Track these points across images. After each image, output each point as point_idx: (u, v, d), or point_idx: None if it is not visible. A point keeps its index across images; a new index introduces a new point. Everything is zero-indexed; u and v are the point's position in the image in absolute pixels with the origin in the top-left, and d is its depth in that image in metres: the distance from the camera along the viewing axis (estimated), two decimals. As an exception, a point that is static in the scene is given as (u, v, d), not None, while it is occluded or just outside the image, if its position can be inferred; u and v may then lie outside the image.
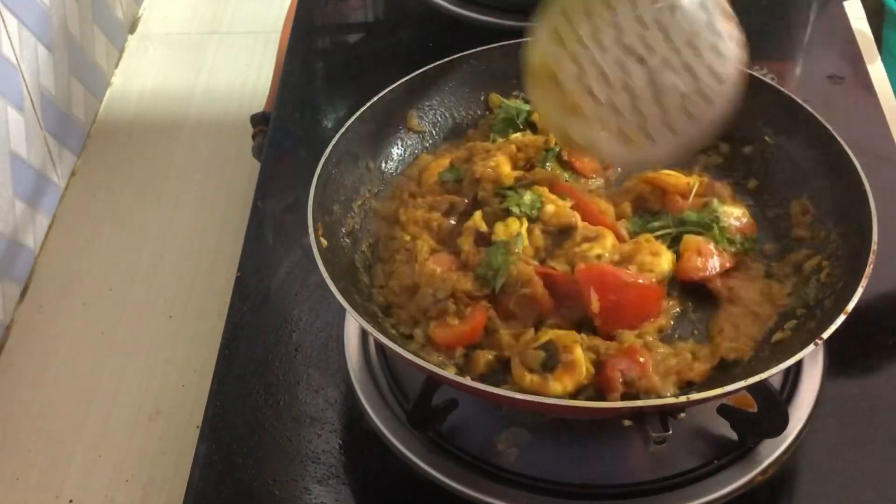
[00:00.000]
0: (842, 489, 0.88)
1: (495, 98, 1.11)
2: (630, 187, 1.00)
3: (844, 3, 1.40)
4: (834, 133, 0.94)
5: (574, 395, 0.84)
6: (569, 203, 0.94)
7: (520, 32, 1.12)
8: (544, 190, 0.95)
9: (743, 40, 0.85)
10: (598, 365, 0.84)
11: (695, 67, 0.84)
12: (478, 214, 0.95)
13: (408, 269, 0.95)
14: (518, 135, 1.05)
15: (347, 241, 0.97)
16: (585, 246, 0.90)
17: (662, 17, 0.84)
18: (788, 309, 0.89)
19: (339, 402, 0.97)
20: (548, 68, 0.87)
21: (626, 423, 0.80)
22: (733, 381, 0.77)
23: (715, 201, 0.96)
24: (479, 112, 1.11)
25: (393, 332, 0.91)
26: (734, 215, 0.96)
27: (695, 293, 0.92)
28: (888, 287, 1.01)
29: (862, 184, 0.89)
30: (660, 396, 0.82)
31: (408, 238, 0.98)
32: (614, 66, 0.85)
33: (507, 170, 0.98)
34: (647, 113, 0.85)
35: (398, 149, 1.06)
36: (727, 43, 0.84)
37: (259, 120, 1.36)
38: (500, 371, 0.87)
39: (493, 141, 1.05)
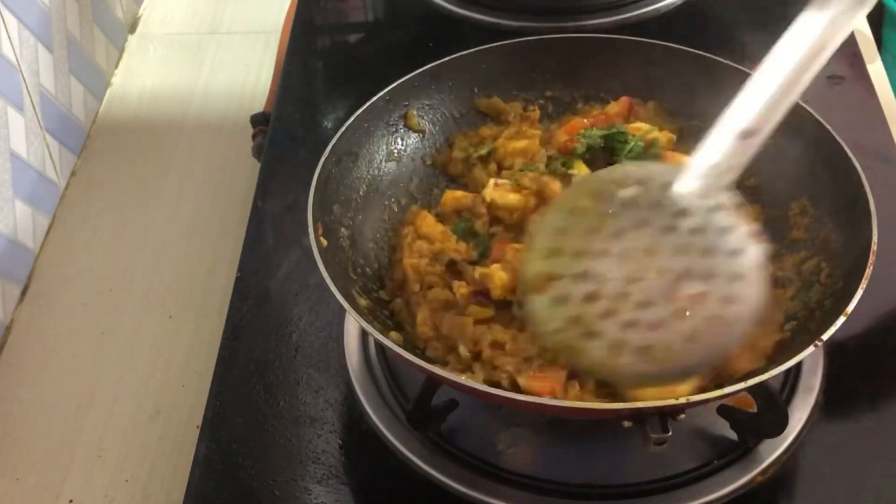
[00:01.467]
0: (842, 489, 0.88)
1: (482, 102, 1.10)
2: None
3: (844, 4, 1.40)
4: (834, 133, 0.94)
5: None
6: None
7: (520, 32, 1.13)
8: None
9: (756, 231, 0.78)
10: None
11: (713, 269, 0.75)
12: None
13: (397, 269, 0.96)
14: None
15: (347, 241, 0.97)
16: None
17: (673, 222, 0.76)
18: (789, 311, 0.89)
19: (339, 403, 0.97)
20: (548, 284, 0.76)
21: (626, 424, 0.80)
22: (733, 383, 0.77)
23: None
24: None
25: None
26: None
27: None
28: (888, 287, 1.01)
29: (862, 184, 0.89)
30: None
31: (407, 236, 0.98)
32: (624, 280, 0.74)
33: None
34: (667, 324, 0.73)
35: (398, 148, 1.06)
36: (739, 235, 0.77)
37: (259, 120, 1.36)
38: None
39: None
